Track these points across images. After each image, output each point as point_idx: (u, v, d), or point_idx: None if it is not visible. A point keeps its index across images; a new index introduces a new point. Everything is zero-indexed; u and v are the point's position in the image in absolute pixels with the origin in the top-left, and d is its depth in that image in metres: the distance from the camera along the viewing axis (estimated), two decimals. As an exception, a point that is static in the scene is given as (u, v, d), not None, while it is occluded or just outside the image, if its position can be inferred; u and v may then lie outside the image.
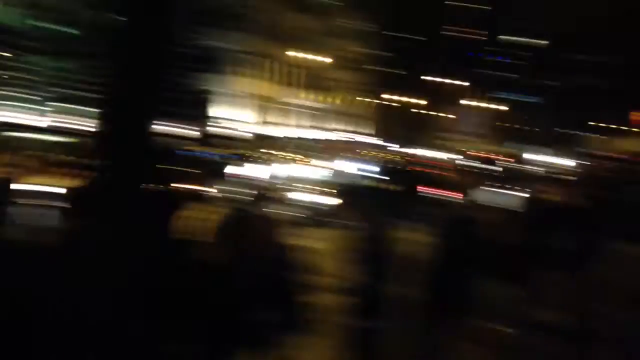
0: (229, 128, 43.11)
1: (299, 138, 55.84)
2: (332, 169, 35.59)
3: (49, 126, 41.52)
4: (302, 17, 51.18)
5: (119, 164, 2.50)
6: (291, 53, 50.76)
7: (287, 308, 3.93)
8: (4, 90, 41.99)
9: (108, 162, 2.55)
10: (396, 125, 62.57)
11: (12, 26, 41.63)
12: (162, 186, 3.52)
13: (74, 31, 40.50)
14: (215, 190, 14.65)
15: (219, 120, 42.88)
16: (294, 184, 27.66)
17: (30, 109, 43.80)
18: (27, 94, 42.95)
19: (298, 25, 51.71)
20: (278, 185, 20.38)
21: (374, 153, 40.35)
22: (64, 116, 43.46)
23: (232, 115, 44.04)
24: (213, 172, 16.33)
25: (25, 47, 39.40)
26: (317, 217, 14.33)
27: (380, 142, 54.11)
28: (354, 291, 5.09)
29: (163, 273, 3.02)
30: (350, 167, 33.38)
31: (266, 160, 32.77)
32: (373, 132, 62.39)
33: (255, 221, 4.44)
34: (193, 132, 34.87)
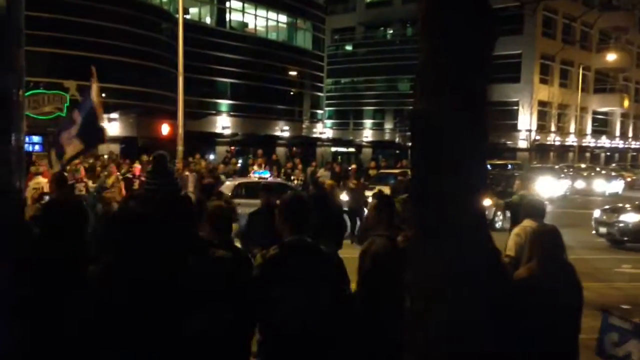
0: (524, 139, 43.26)
1: (596, 147, 53.09)
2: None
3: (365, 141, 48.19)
4: (601, 15, 48.32)
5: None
6: (588, 55, 48.62)
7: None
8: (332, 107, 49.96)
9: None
10: None
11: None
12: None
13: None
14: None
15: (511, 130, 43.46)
16: (589, 198, 27.32)
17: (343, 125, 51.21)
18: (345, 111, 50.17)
19: (597, 24, 49.12)
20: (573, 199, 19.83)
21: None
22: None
23: (523, 125, 44.19)
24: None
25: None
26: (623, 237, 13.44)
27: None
28: None
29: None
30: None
31: (561, 172, 32.76)
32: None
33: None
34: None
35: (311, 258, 3.03)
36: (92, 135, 6.65)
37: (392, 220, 4.06)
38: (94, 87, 6.80)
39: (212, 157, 30.08)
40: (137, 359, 2.75)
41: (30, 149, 22.71)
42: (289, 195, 3.44)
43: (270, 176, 17.36)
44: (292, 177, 19.06)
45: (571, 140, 49.35)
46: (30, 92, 21.92)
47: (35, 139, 24.45)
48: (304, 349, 2.94)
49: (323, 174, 18.52)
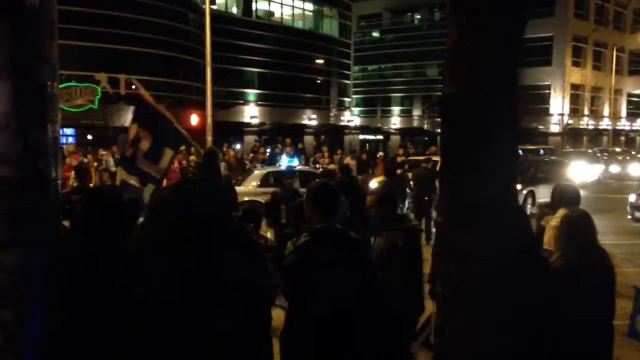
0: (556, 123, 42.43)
1: (631, 130, 51.77)
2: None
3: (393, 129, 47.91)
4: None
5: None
6: (622, 36, 47.39)
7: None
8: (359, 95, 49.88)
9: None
10: None
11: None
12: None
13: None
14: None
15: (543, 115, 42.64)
16: (624, 182, 26.70)
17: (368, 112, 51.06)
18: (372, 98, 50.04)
19: (631, 4, 47.80)
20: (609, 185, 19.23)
21: None
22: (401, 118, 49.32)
23: (555, 109, 43.32)
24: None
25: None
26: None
27: None
28: None
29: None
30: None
31: (595, 157, 32.06)
32: None
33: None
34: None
35: (342, 244, 3.02)
36: (175, 138, 6.68)
37: (395, 214, 4.03)
38: (146, 94, 6.70)
39: (238, 146, 30.26)
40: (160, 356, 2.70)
41: (64, 141, 23.18)
42: (317, 182, 3.41)
43: (299, 164, 17.42)
44: (317, 166, 19.13)
45: (605, 123, 48.22)
46: (63, 85, 22.33)
47: (68, 131, 24.95)
48: (335, 335, 2.93)
49: (349, 162, 18.50)
